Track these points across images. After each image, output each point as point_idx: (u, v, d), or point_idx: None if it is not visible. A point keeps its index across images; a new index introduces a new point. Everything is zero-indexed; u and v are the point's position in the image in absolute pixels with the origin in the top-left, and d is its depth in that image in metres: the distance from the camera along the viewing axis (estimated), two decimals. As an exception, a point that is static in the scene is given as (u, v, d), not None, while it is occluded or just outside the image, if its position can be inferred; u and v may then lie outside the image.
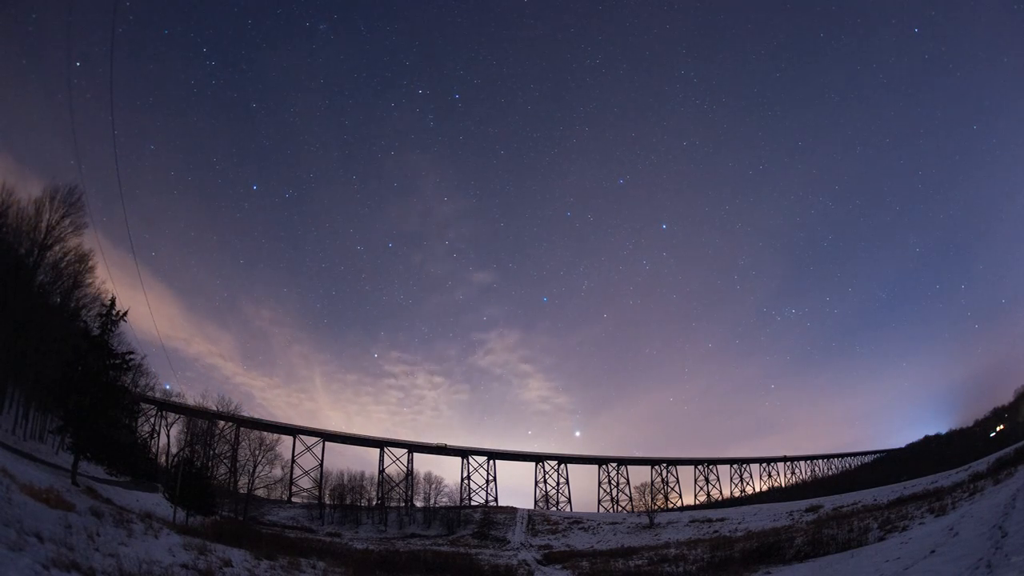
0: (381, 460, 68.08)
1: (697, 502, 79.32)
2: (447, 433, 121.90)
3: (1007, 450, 37.79)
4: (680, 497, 78.57)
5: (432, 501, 63.98)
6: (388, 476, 67.46)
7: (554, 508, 71.42)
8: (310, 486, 64.33)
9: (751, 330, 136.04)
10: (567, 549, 42.57)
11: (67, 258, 37.33)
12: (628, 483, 75.87)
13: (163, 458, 54.48)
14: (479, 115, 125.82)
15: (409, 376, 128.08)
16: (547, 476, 74.99)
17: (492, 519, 56.56)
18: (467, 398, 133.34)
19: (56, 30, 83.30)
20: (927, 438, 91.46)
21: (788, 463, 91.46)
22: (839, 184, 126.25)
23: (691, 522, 48.52)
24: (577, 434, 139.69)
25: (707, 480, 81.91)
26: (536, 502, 72.83)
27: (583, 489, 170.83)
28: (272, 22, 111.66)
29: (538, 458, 76.02)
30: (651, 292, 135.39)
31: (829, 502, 44.89)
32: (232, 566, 15.19)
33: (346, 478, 64.34)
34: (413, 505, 63.78)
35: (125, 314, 26.53)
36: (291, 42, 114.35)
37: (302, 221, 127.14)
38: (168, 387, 58.48)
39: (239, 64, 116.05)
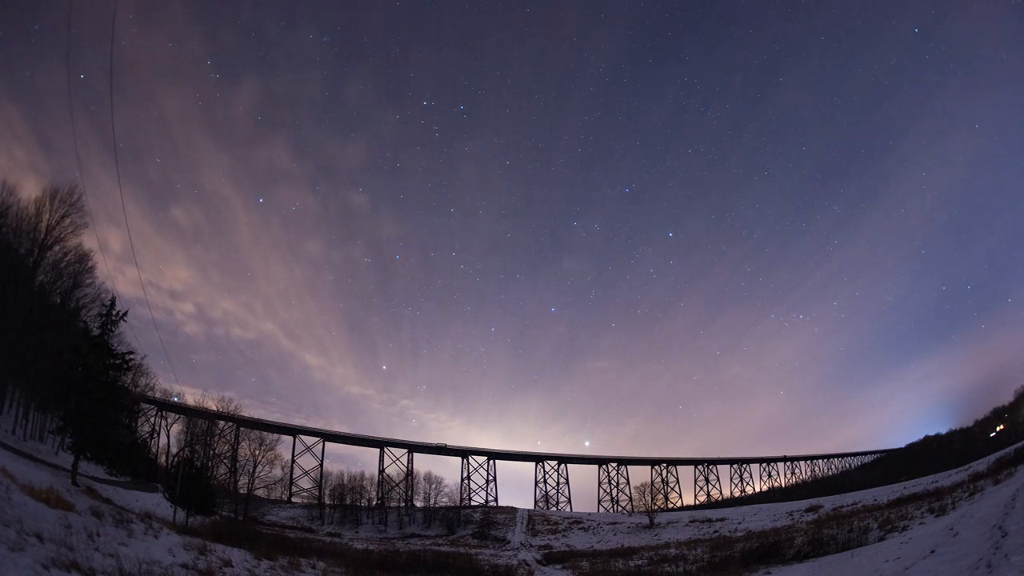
0: (381, 460, 68.12)
1: (697, 502, 79.31)
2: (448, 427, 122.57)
3: (1007, 450, 37.79)
4: (680, 497, 78.65)
5: (432, 501, 63.95)
6: (388, 476, 67.51)
7: (554, 508, 71.36)
8: (310, 486, 64.40)
9: (759, 336, 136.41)
10: (567, 549, 42.54)
11: (67, 258, 37.33)
12: (628, 483, 75.98)
13: (163, 458, 54.44)
14: (484, 125, 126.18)
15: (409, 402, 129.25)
16: (547, 476, 75.04)
17: (492, 519, 56.53)
18: (472, 404, 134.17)
19: (58, 41, 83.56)
20: (927, 438, 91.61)
21: (788, 463, 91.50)
22: (843, 188, 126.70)
23: (691, 522, 48.47)
24: (587, 443, 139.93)
25: (707, 480, 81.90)
26: (536, 502, 72.81)
27: (583, 489, 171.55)
28: (274, 34, 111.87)
29: (538, 458, 76.00)
30: (658, 300, 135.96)
31: (829, 502, 44.85)
32: (232, 566, 15.20)
33: (346, 478, 64.50)
34: (413, 505, 63.70)
35: (125, 314, 26.55)
36: (294, 54, 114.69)
37: (307, 233, 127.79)
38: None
39: (242, 76, 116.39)
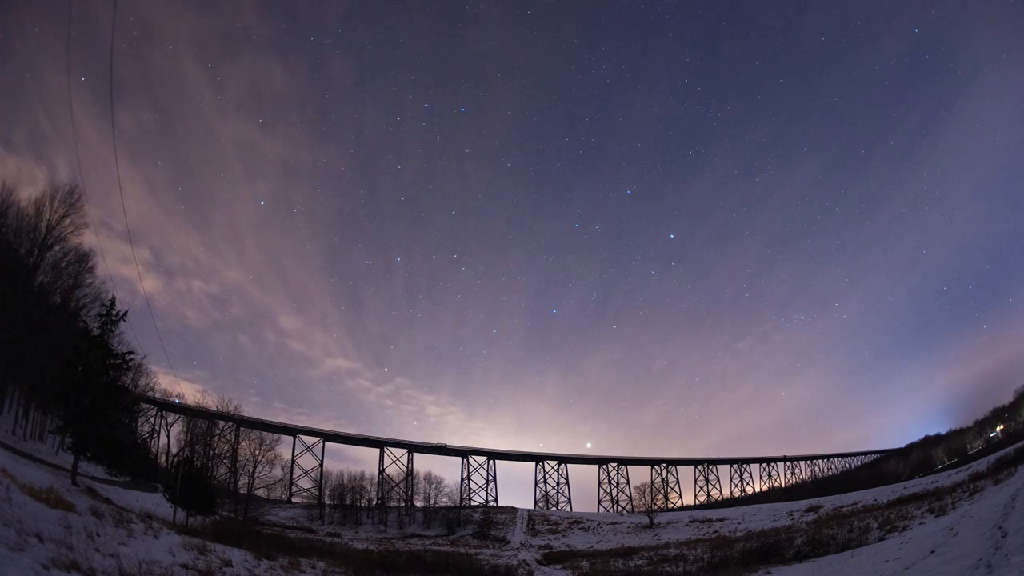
0: (381, 460, 68.13)
1: (697, 502, 79.34)
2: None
3: (1007, 450, 37.82)
4: (680, 497, 78.69)
5: (432, 501, 64.01)
6: (388, 476, 67.50)
7: (554, 508, 71.37)
8: (310, 486, 64.42)
9: (761, 338, 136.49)
10: (567, 549, 42.55)
11: (67, 258, 37.34)
12: (628, 483, 76.00)
13: (163, 458, 54.48)
14: (485, 128, 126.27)
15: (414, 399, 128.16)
16: (547, 476, 75.06)
17: (492, 519, 56.54)
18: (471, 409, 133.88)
19: (58, 45, 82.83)
20: (927, 438, 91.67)
21: (788, 463, 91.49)
22: (844, 188, 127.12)
23: (691, 522, 48.47)
24: (589, 445, 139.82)
25: (707, 480, 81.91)
26: (536, 502, 72.84)
27: (583, 489, 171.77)
28: (276, 38, 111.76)
29: (538, 458, 75.99)
30: (660, 302, 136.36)
31: (829, 502, 44.84)
32: (232, 566, 15.20)
33: (346, 478, 64.51)
34: (413, 505, 63.72)
35: (125, 314, 26.53)
36: (295, 57, 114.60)
37: (309, 236, 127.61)
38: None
39: (244, 79, 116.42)
